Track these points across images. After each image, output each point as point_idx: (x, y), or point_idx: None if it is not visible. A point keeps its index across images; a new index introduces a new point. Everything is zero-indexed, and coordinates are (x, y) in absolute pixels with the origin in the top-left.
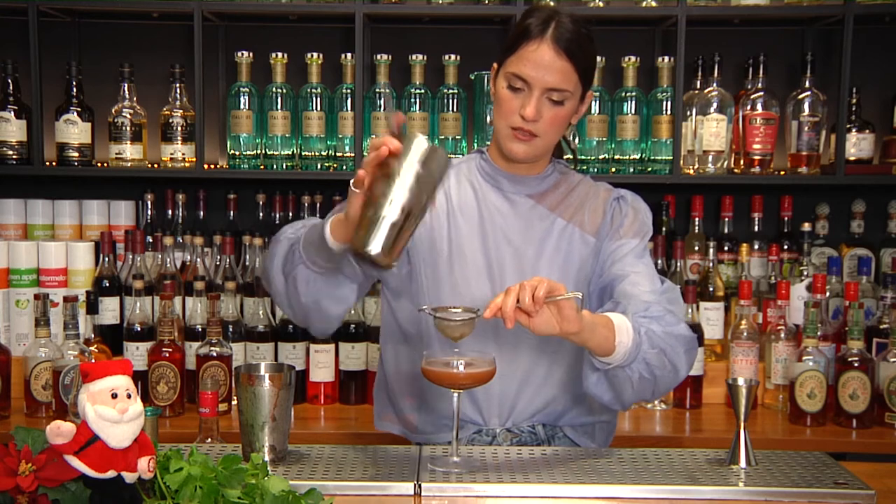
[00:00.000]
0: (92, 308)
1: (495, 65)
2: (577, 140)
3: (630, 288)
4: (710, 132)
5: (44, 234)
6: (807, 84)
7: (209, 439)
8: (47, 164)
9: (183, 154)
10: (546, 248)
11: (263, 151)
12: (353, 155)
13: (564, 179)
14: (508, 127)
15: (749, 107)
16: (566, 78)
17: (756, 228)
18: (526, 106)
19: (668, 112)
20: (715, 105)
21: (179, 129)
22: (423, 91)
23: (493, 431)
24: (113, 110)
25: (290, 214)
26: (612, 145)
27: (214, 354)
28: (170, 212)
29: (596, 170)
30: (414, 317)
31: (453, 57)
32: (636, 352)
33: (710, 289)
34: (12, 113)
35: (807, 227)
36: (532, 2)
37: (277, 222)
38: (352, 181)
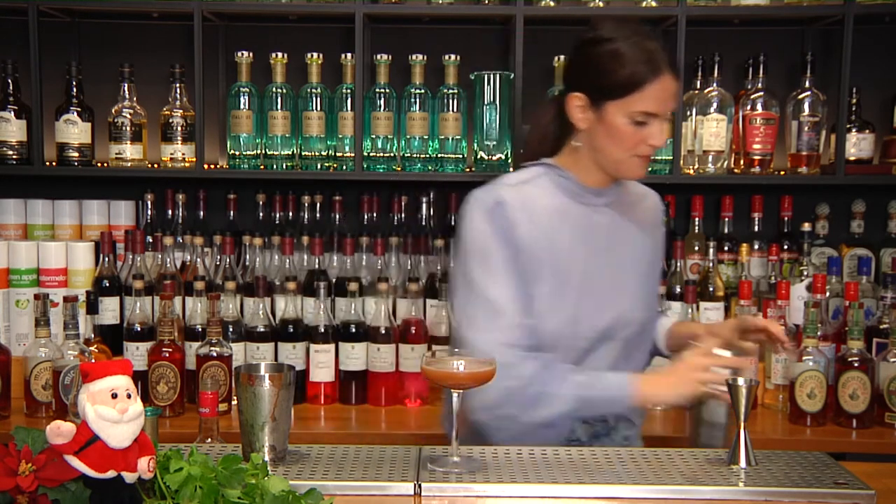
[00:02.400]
0: (92, 308)
1: (582, 95)
2: None
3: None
4: (710, 132)
5: (44, 234)
6: (807, 84)
7: (209, 439)
8: (47, 164)
9: (183, 154)
10: (632, 258)
11: (263, 151)
12: (352, 155)
13: (622, 186)
14: (633, 156)
15: (749, 107)
16: (678, 97)
17: (756, 228)
18: (656, 136)
19: None
20: (715, 105)
21: (179, 129)
22: (423, 91)
23: (571, 425)
24: (113, 110)
25: (290, 214)
26: None
27: (214, 354)
28: (170, 212)
29: None
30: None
31: (453, 57)
32: None
33: (710, 289)
34: (12, 113)
35: (807, 227)
36: (532, 2)
37: (277, 222)
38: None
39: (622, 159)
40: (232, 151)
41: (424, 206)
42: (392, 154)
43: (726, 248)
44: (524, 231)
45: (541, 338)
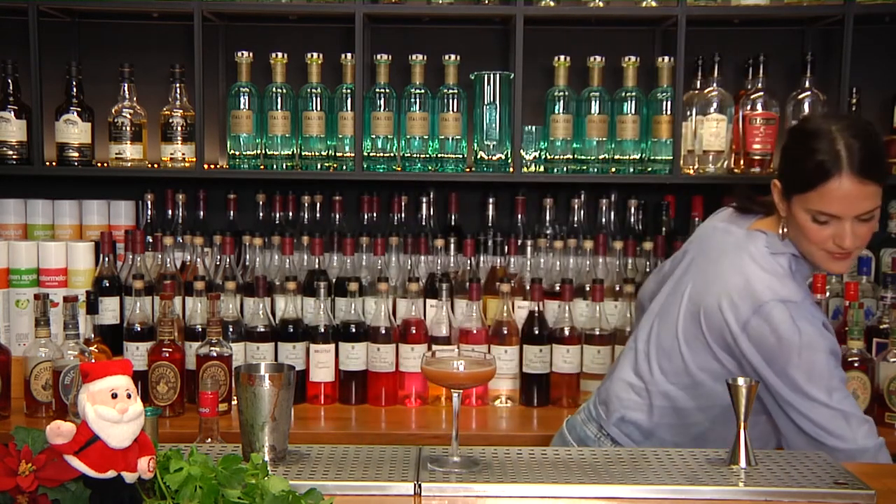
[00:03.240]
0: (92, 308)
1: (778, 182)
2: None
3: None
4: (710, 132)
5: (44, 234)
6: (807, 84)
7: (209, 439)
8: (47, 164)
9: (183, 154)
10: None
11: (263, 151)
12: (352, 155)
13: None
14: (822, 250)
15: (749, 107)
16: (873, 199)
17: None
18: (843, 237)
19: (668, 112)
20: (715, 105)
21: (179, 129)
22: (423, 91)
23: None
24: (113, 110)
25: (290, 214)
26: (612, 145)
27: (214, 354)
28: (170, 212)
29: (596, 170)
30: None
31: (453, 57)
32: None
33: None
34: (12, 113)
35: None
36: (532, 2)
37: (277, 222)
38: None
39: (813, 252)
40: (232, 151)
41: (424, 206)
42: (392, 154)
43: None
44: None
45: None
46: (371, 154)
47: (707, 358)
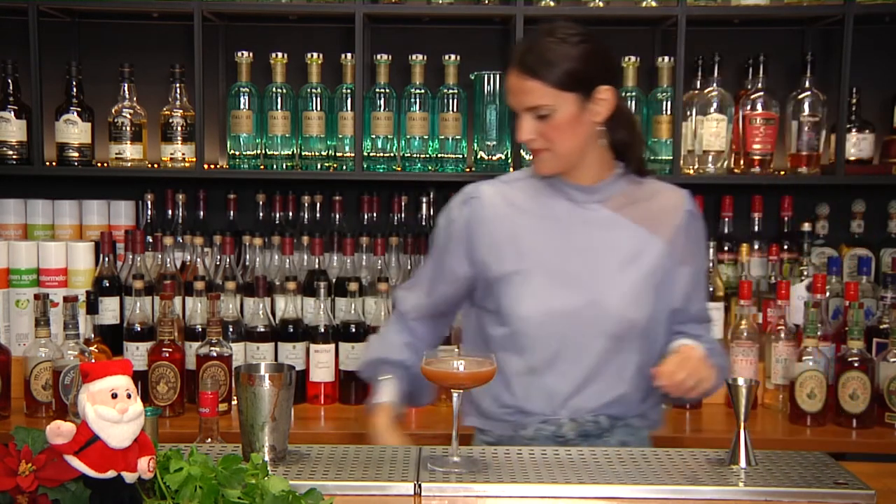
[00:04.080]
0: (92, 308)
1: None
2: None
3: (699, 310)
4: (710, 132)
5: (44, 234)
6: (807, 84)
7: (209, 439)
8: (47, 164)
9: (183, 154)
10: (620, 253)
11: (263, 151)
12: (352, 155)
13: (635, 183)
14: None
15: (749, 107)
16: (539, 95)
17: (756, 228)
18: (518, 129)
19: (668, 112)
20: (715, 105)
21: (179, 129)
22: (423, 91)
23: (558, 421)
24: (113, 110)
25: (290, 214)
26: None
27: (214, 354)
28: (170, 212)
29: None
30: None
31: (453, 57)
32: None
33: (710, 289)
34: (12, 113)
35: (807, 227)
36: (532, 2)
37: (277, 222)
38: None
39: None
40: (232, 151)
41: (424, 206)
42: (392, 154)
43: (726, 248)
44: (489, 226)
45: (518, 325)
46: (371, 154)
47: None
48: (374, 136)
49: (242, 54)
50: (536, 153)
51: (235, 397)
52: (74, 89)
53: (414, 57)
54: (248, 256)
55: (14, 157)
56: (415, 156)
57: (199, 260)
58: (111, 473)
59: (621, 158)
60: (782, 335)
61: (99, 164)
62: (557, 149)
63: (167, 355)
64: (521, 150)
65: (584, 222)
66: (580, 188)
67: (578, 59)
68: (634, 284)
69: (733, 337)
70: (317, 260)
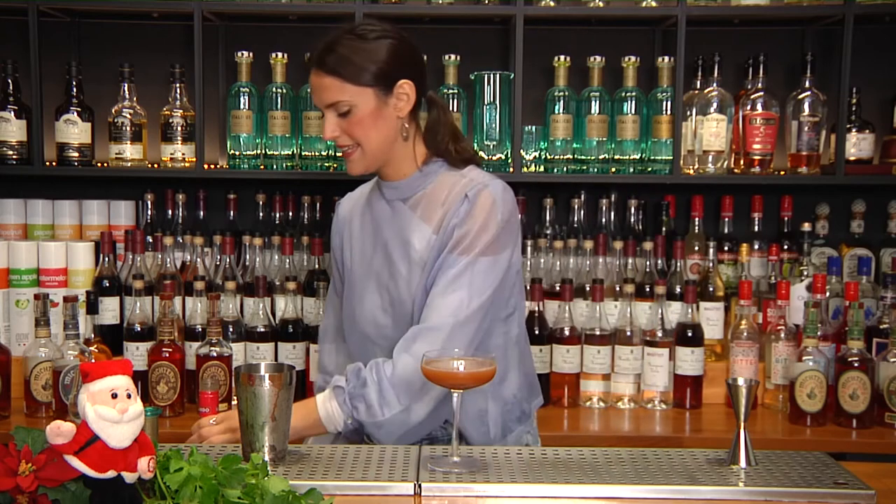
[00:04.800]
0: (92, 308)
1: None
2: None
3: (428, 312)
4: (710, 132)
5: (44, 234)
6: (807, 84)
7: None
8: (47, 164)
9: (183, 154)
10: (407, 249)
11: (263, 151)
12: None
13: (438, 178)
14: None
15: (749, 107)
16: (337, 91)
17: (756, 228)
18: (323, 128)
19: (668, 112)
20: (715, 105)
21: (179, 129)
22: None
23: None
24: (113, 110)
25: (290, 214)
26: (612, 145)
27: (214, 354)
28: (170, 212)
29: (596, 170)
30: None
31: (453, 57)
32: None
33: (710, 289)
34: (12, 113)
35: (807, 227)
36: (532, 2)
37: (277, 222)
38: None
39: None
40: (232, 151)
41: None
42: None
43: (726, 248)
44: (344, 231)
45: (348, 325)
46: None
47: None
48: None
49: (242, 54)
50: (346, 155)
51: (235, 397)
52: (74, 89)
53: None
54: (248, 256)
55: (14, 157)
56: None
57: (199, 260)
58: (111, 473)
59: (440, 153)
60: (782, 335)
61: (99, 164)
62: (367, 146)
63: (167, 355)
64: (522, 150)
65: (391, 222)
66: (390, 186)
67: (376, 55)
68: (425, 287)
69: (733, 337)
70: (317, 260)
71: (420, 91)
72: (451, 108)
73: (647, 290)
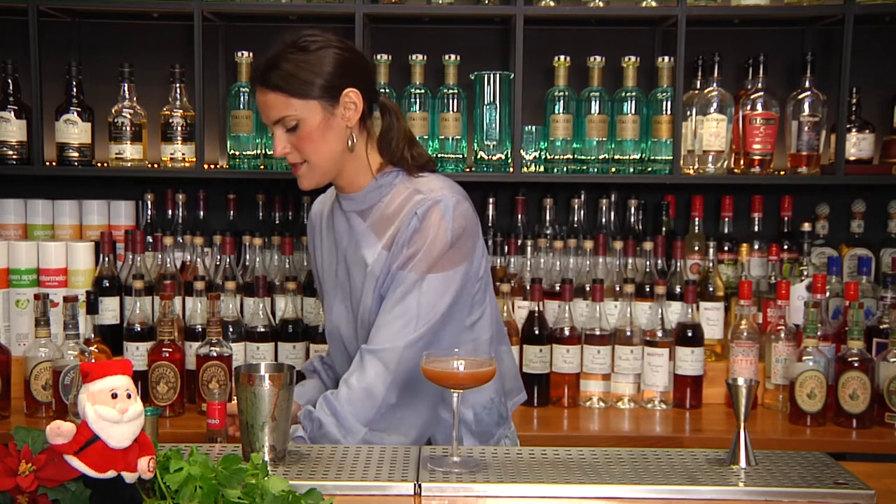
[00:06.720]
0: (92, 308)
1: None
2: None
3: (374, 332)
4: (710, 132)
5: (44, 234)
6: (807, 84)
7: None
8: (47, 164)
9: (183, 154)
10: (362, 263)
11: (263, 151)
12: None
13: (393, 190)
14: None
15: (749, 107)
16: (282, 107)
17: (756, 228)
18: (274, 145)
19: (668, 112)
20: (715, 105)
21: (179, 129)
22: (423, 91)
23: None
24: (113, 110)
25: (290, 214)
26: (612, 145)
27: (214, 354)
28: (170, 212)
29: (596, 170)
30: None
31: (453, 57)
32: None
33: (710, 289)
34: (12, 113)
35: (807, 227)
36: (532, 2)
37: (277, 222)
38: None
39: None
40: (232, 151)
41: None
42: None
43: (726, 248)
44: (313, 241)
45: (327, 338)
46: None
47: None
48: None
49: (242, 54)
50: (295, 169)
51: (235, 397)
52: (74, 89)
53: (414, 57)
54: (248, 256)
55: (14, 157)
56: None
57: (199, 260)
58: (111, 473)
59: (396, 161)
60: (782, 335)
61: (99, 164)
62: (312, 160)
63: (167, 355)
64: (522, 150)
65: (349, 235)
66: (347, 198)
67: (319, 66)
68: (380, 301)
69: (733, 337)
70: None
71: (368, 98)
72: (451, 108)
73: (647, 290)
